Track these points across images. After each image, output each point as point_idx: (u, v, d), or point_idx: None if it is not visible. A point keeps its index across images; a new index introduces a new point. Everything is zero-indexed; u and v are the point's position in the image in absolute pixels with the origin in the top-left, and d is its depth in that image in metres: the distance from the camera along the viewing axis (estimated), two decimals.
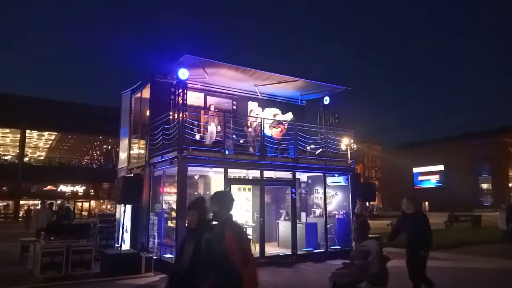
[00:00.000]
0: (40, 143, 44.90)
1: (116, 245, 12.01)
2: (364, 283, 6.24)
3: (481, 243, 16.12)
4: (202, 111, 12.95)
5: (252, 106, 14.40)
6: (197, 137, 11.33)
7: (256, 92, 14.56)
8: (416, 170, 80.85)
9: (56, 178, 41.23)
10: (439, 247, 14.64)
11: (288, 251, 11.80)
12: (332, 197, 13.94)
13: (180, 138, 10.31)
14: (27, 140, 40.64)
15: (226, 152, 11.18)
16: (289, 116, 14.53)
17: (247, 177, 12.53)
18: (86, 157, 50.18)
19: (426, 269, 6.52)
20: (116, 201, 13.79)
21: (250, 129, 12.81)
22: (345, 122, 16.03)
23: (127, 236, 12.07)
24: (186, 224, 3.78)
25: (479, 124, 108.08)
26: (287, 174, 12.74)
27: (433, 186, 78.07)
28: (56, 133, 42.30)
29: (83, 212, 41.85)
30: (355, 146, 14.73)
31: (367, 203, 18.81)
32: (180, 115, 10.59)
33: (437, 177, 78.28)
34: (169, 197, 11.64)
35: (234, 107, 14.37)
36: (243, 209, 13.55)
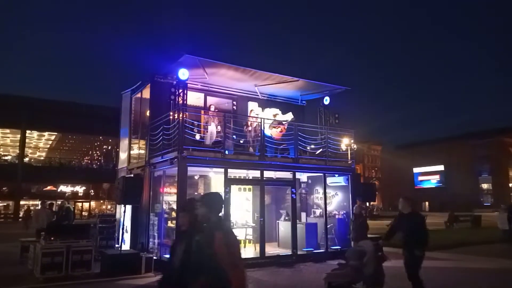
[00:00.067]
0: (40, 143, 44.91)
1: (116, 246, 12.01)
2: (359, 284, 6.20)
3: (481, 243, 16.11)
4: (202, 111, 12.95)
5: (252, 106, 14.40)
6: (197, 137, 11.33)
7: (256, 92, 14.56)
8: (416, 170, 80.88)
9: (56, 179, 41.22)
10: (439, 247, 14.67)
11: (288, 251, 11.80)
12: (332, 197, 13.94)
13: (180, 138, 10.31)
14: (27, 140, 40.65)
15: (226, 152, 11.18)
16: (289, 116, 14.52)
17: (247, 177, 12.52)
18: (86, 158, 50.18)
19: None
20: (116, 201, 13.79)
21: (250, 128, 12.82)
22: (345, 122, 16.06)
23: (127, 237, 12.07)
24: (177, 226, 3.77)
25: (479, 124, 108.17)
26: (287, 174, 12.74)
27: (433, 186, 78.10)
28: (56, 133, 42.31)
29: (83, 213, 41.84)
30: (355, 146, 14.73)
31: (367, 203, 18.76)
32: (180, 115, 10.59)
33: (437, 177, 78.31)
34: (169, 197, 11.64)
35: (234, 107, 14.37)
36: (243, 209, 13.56)
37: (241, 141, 12.48)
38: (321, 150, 13.34)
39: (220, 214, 3.36)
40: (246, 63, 16.42)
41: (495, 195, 68.32)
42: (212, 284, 3.02)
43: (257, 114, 13.77)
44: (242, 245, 12.85)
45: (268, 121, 13.13)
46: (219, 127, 12.01)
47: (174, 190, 10.92)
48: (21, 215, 34.60)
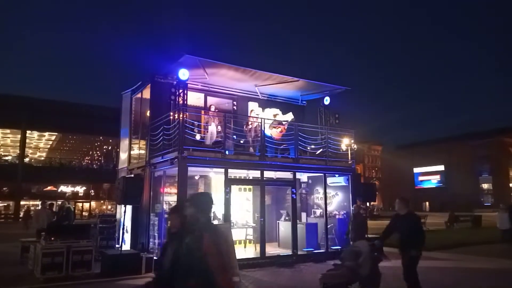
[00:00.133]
0: (40, 143, 44.92)
1: (117, 246, 12.01)
2: (355, 285, 6.15)
3: (482, 243, 16.11)
4: (203, 112, 12.95)
5: (253, 106, 14.41)
6: (198, 137, 11.33)
7: (257, 92, 14.56)
8: (416, 170, 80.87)
9: (57, 179, 41.23)
10: (440, 247, 14.67)
11: (288, 252, 11.80)
12: (333, 197, 13.94)
13: (180, 138, 10.31)
14: (27, 140, 40.66)
15: (227, 152, 11.18)
16: (289, 116, 14.52)
17: (247, 178, 12.52)
18: (86, 158, 50.19)
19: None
20: (117, 202, 13.79)
21: (250, 127, 12.82)
22: (346, 122, 16.04)
23: (127, 237, 12.08)
24: (168, 228, 3.73)
25: (479, 124, 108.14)
26: (287, 175, 12.74)
27: (434, 186, 78.10)
28: (56, 133, 42.33)
29: (84, 213, 41.84)
30: (355, 146, 14.72)
31: (367, 204, 18.78)
32: (181, 115, 10.59)
33: (437, 177, 78.30)
34: (170, 197, 11.64)
35: (235, 107, 14.38)
36: (244, 210, 13.57)
37: (242, 141, 12.48)
38: (321, 150, 13.34)
39: (210, 215, 3.31)
40: (246, 63, 16.41)
41: (496, 195, 68.29)
42: (201, 287, 2.98)
43: (257, 114, 13.78)
44: (242, 245, 12.88)
45: (268, 121, 13.13)
46: (219, 127, 12.01)
47: (175, 190, 10.92)
48: (21, 215, 34.62)
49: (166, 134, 10.87)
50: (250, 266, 10.41)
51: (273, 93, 14.95)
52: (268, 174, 12.26)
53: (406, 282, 6.45)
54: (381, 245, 6.46)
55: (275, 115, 14.22)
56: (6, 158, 42.12)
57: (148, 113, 12.78)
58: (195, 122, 11.56)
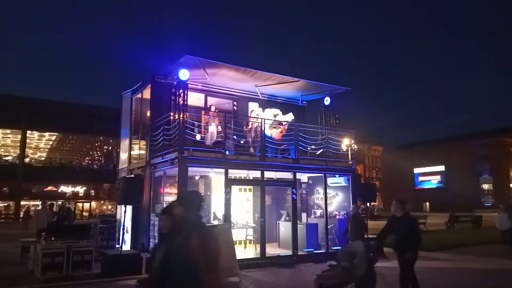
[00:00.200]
0: (40, 143, 44.92)
1: (117, 246, 12.02)
2: (351, 286, 6.11)
3: (482, 243, 16.10)
4: (203, 112, 12.96)
5: (253, 106, 14.41)
6: (198, 137, 11.33)
7: (257, 93, 14.56)
8: (416, 170, 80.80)
9: (57, 179, 41.23)
10: (440, 247, 14.67)
11: (288, 252, 11.79)
12: (333, 197, 13.94)
13: (180, 138, 10.31)
14: (27, 140, 40.66)
15: (227, 152, 11.18)
16: (289, 116, 14.53)
17: (247, 178, 12.53)
18: (86, 158, 50.19)
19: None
20: (117, 202, 13.79)
21: (250, 127, 12.82)
22: (346, 122, 16.03)
23: (127, 237, 12.08)
24: (159, 229, 3.69)
25: (479, 124, 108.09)
26: (287, 175, 12.74)
27: (434, 187, 78.03)
28: (56, 133, 42.34)
29: (84, 213, 41.86)
30: (355, 147, 14.72)
31: (368, 204, 18.75)
32: (181, 115, 10.59)
33: (438, 177, 78.23)
34: (170, 197, 11.62)
35: (235, 107, 14.38)
36: (244, 210, 13.57)
37: (242, 142, 12.48)
38: (321, 150, 13.34)
39: (199, 214, 3.25)
40: (247, 64, 16.39)
41: (496, 196, 68.21)
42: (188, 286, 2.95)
43: (257, 115, 13.78)
44: (242, 245, 12.88)
45: (269, 121, 13.14)
46: (219, 128, 12.02)
47: (175, 190, 10.92)
48: (21, 216, 34.63)
49: (166, 134, 10.87)
50: (250, 266, 10.41)
51: (273, 93, 14.95)
52: (268, 174, 12.27)
53: (400, 283, 6.44)
54: (376, 246, 6.44)
55: (275, 116, 14.22)
56: (7, 158, 42.13)
57: (148, 113, 12.78)
58: (195, 122, 11.56)
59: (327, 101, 14.95)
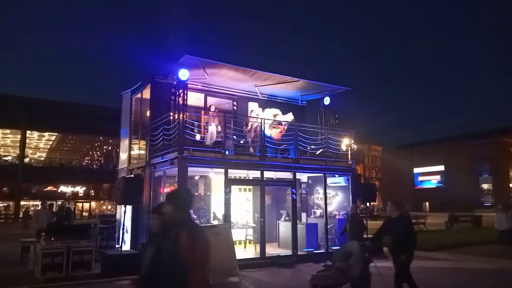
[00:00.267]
0: (40, 143, 44.91)
1: (117, 246, 12.01)
2: (346, 286, 6.08)
3: (482, 243, 16.10)
4: (203, 112, 12.95)
5: (253, 106, 14.41)
6: (198, 137, 11.33)
7: (257, 93, 14.56)
8: (416, 170, 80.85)
9: (57, 179, 41.22)
10: (440, 247, 14.68)
11: (288, 252, 11.80)
12: (333, 197, 13.95)
13: (180, 138, 10.31)
14: (27, 140, 40.64)
15: (227, 152, 11.18)
16: (289, 116, 14.53)
17: (247, 178, 12.53)
18: (86, 158, 50.20)
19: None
20: (117, 202, 13.79)
21: (249, 127, 12.83)
22: (346, 122, 16.03)
23: (127, 237, 12.07)
24: (150, 228, 3.66)
25: (479, 124, 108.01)
26: (287, 175, 12.74)
27: (434, 187, 78.07)
28: (56, 133, 42.32)
29: (84, 213, 41.86)
30: (355, 147, 14.73)
31: (367, 204, 18.74)
32: (181, 115, 10.59)
33: (437, 177, 78.28)
34: None
35: (235, 107, 14.38)
36: (244, 210, 13.57)
37: (242, 142, 12.48)
38: (321, 150, 13.34)
39: (189, 211, 3.20)
40: (246, 64, 16.40)
41: (496, 195, 68.24)
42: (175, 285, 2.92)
43: (257, 115, 13.78)
44: (242, 245, 12.88)
45: (268, 121, 13.14)
46: (219, 128, 12.02)
47: None
48: (21, 216, 34.62)
49: (166, 134, 10.87)
50: (250, 266, 10.42)
51: (273, 93, 14.96)
52: (268, 174, 12.27)
53: (395, 284, 6.43)
54: (371, 246, 6.41)
55: (275, 115, 14.23)
56: (6, 158, 42.12)
57: (148, 113, 12.78)
58: (195, 122, 11.56)
59: (326, 101, 14.95)
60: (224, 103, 14.33)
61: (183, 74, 11.32)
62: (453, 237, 18.73)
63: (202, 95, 13.63)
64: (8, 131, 40.32)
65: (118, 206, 13.61)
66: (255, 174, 11.96)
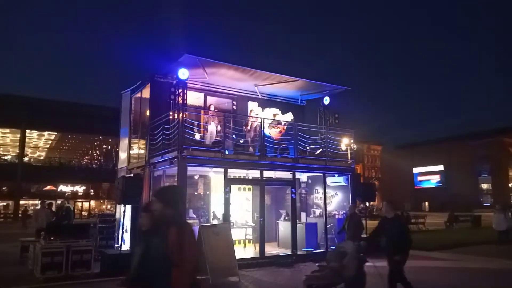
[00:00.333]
0: (40, 143, 44.92)
1: (116, 245, 12.01)
2: (340, 286, 6.04)
3: (481, 243, 16.11)
4: (202, 111, 12.95)
5: (252, 106, 14.40)
6: (197, 137, 11.32)
7: (256, 92, 14.55)
8: (416, 170, 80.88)
9: (56, 178, 41.24)
10: (439, 247, 14.69)
11: (288, 251, 11.80)
12: (332, 197, 13.95)
13: (180, 138, 10.31)
14: (27, 140, 40.65)
15: (226, 152, 11.18)
16: (289, 116, 14.52)
17: (247, 177, 12.53)
18: (86, 157, 50.19)
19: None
20: (116, 201, 13.78)
21: (249, 127, 12.82)
22: (345, 122, 16.03)
23: (127, 236, 12.06)
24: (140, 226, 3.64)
25: (479, 124, 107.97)
26: (287, 174, 12.74)
27: (433, 186, 78.10)
28: (56, 133, 42.32)
29: (83, 212, 41.86)
30: (355, 146, 14.73)
31: (367, 203, 18.75)
32: (180, 115, 10.59)
33: (437, 177, 78.30)
34: None
35: (234, 107, 14.37)
36: (243, 209, 13.57)
37: (241, 141, 12.48)
38: (321, 150, 13.34)
39: (178, 208, 3.19)
40: (246, 63, 16.41)
41: (495, 195, 68.30)
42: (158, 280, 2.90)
43: (257, 114, 13.77)
44: (242, 245, 12.88)
45: (268, 121, 13.13)
46: (219, 127, 12.01)
47: None
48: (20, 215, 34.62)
49: (166, 133, 10.86)
50: (249, 266, 10.42)
51: (273, 93, 14.95)
52: (268, 174, 12.26)
53: (389, 284, 6.43)
54: (367, 246, 6.38)
55: (274, 115, 14.22)
56: (6, 157, 42.12)
57: (147, 113, 12.77)
58: (195, 122, 11.55)
59: (326, 100, 14.95)
60: (223, 103, 14.33)
61: (183, 73, 11.31)
62: (453, 236, 18.75)
63: (201, 95, 13.62)
64: (7, 130, 40.33)
65: (118, 206, 13.60)
66: (255, 173, 11.96)
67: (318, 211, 13.77)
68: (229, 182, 11.11)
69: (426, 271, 10.21)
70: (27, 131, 39.65)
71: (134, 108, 14.12)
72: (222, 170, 11.13)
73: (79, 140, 46.15)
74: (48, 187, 41.64)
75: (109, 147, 45.40)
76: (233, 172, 11.72)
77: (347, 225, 10.79)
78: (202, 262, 8.58)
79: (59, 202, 19.74)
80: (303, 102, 16.02)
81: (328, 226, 12.82)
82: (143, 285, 3.05)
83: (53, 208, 16.84)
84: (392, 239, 6.39)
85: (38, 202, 23.48)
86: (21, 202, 38.46)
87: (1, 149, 42.80)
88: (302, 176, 14.41)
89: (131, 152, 14.07)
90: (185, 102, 11.32)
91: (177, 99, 11.31)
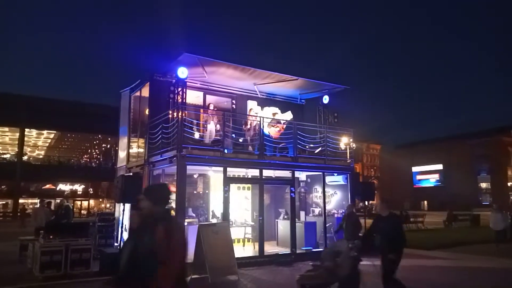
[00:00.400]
0: (39, 141, 44.90)
1: (115, 244, 12.00)
2: (334, 286, 5.97)
3: (480, 242, 16.13)
4: (202, 110, 12.94)
5: (252, 105, 14.40)
6: (197, 136, 11.32)
7: (256, 91, 14.55)
8: (415, 169, 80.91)
9: (55, 177, 41.22)
10: (438, 246, 14.71)
11: (287, 250, 11.81)
12: (331, 196, 13.96)
13: (179, 137, 10.30)
14: (26, 138, 40.63)
15: (226, 151, 11.17)
16: (288, 115, 14.53)
17: (246, 176, 12.52)
18: (85, 156, 50.19)
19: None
20: (115, 200, 13.76)
21: (248, 126, 12.82)
22: (344, 121, 16.00)
23: (126, 235, 12.06)
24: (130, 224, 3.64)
25: (479, 124, 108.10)
26: (286, 173, 12.74)
27: (432, 185, 78.13)
28: (55, 131, 42.29)
29: (82, 211, 41.85)
30: (354, 145, 14.75)
31: (366, 202, 18.73)
32: (180, 113, 10.58)
33: (436, 176, 78.34)
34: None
35: (234, 106, 14.36)
36: (243, 208, 13.57)
37: (240, 140, 12.48)
38: (320, 149, 13.35)
39: (166, 206, 3.21)
40: (246, 62, 16.41)
41: (494, 194, 68.32)
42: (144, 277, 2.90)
43: (256, 113, 13.77)
44: (241, 244, 12.89)
45: (267, 119, 13.13)
46: (218, 126, 12.01)
47: (173, 188, 10.90)
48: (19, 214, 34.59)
49: (165, 132, 10.86)
50: (248, 264, 10.42)
51: (272, 92, 14.95)
52: (267, 172, 12.26)
53: (384, 284, 6.41)
54: (362, 245, 6.36)
55: (274, 114, 14.23)
56: (5, 156, 42.09)
57: (147, 112, 12.76)
58: (194, 121, 11.56)
59: (325, 99, 14.95)
60: (223, 102, 14.32)
61: (182, 72, 11.31)
62: (452, 235, 18.77)
63: (201, 93, 13.61)
64: (6, 129, 40.29)
65: (117, 204, 13.58)
66: (254, 172, 11.96)
67: (317, 210, 13.78)
68: (228, 181, 11.11)
69: (425, 270, 10.23)
70: (26, 129, 39.62)
71: (133, 107, 14.11)
72: (221, 169, 11.12)
73: (78, 139, 46.11)
74: (47, 186, 41.63)
75: (108, 146, 45.38)
76: (232, 171, 11.72)
77: (345, 224, 10.80)
78: (202, 260, 8.60)
79: (58, 201, 19.76)
80: (303, 101, 16.02)
81: (327, 225, 12.83)
82: (131, 283, 3.04)
83: (52, 207, 16.81)
84: (386, 237, 6.38)
85: (37, 200, 23.49)
86: (20, 200, 38.45)
87: (0, 147, 42.76)
88: (301, 175, 14.41)
89: (131, 151, 14.07)
90: (184, 101, 11.32)
91: (176, 98, 11.30)
